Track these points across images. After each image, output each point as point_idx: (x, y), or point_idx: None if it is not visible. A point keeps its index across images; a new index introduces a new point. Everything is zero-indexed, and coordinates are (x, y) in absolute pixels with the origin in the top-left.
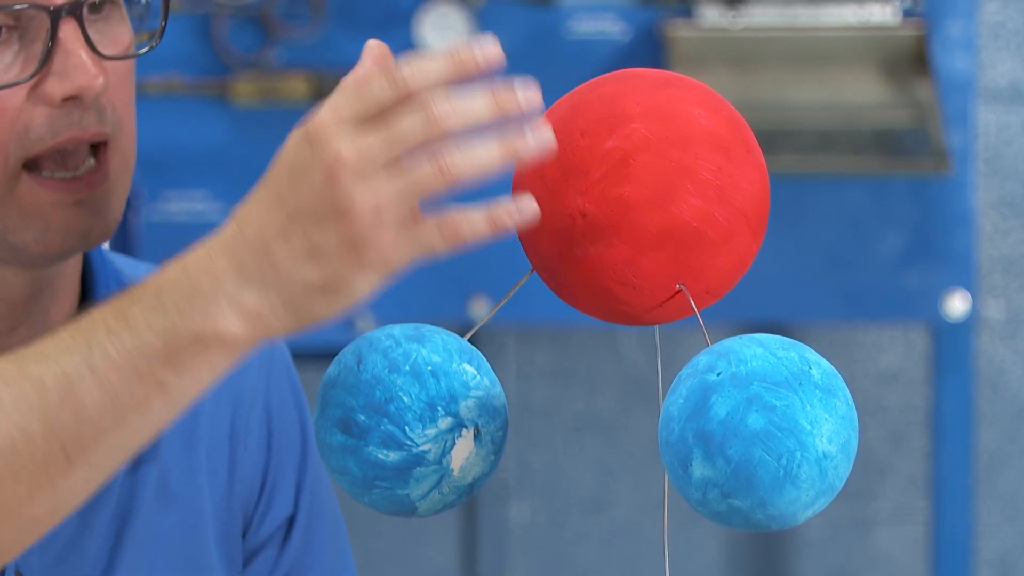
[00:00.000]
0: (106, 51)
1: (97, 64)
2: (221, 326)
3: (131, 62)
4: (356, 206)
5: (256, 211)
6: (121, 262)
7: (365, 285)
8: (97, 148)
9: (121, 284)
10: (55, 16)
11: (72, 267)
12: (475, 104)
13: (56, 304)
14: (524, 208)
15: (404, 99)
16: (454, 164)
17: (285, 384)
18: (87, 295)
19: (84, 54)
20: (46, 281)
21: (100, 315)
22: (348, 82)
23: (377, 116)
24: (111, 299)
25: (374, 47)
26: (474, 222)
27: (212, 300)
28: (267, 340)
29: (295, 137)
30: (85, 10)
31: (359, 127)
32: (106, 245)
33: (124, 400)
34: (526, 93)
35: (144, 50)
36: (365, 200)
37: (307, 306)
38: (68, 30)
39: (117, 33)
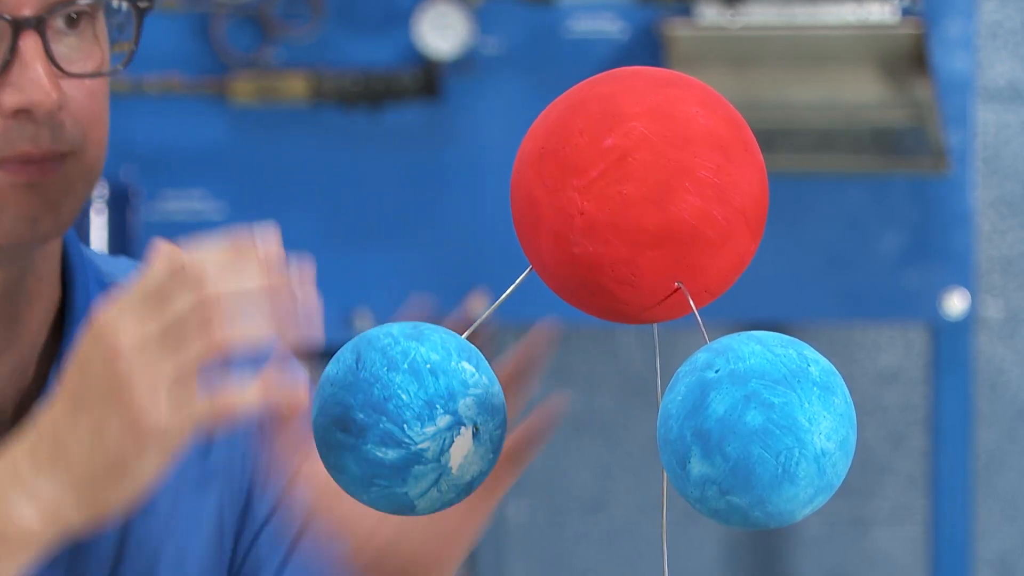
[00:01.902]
0: (73, 68)
1: (53, 80)
2: (17, 520)
3: (104, 82)
4: (134, 387)
5: (50, 404)
6: (100, 260)
7: (151, 464)
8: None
9: (103, 285)
10: (16, 28)
11: (48, 268)
12: (245, 280)
13: (32, 306)
14: (295, 385)
15: (183, 287)
16: (223, 339)
17: None
18: (68, 297)
19: (41, 69)
20: (13, 282)
21: None
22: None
23: (157, 303)
24: None
25: (162, 247)
26: (247, 395)
27: (10, 490)
28: (65, 534)
29: (85, 334)
30: (59, 22)
31: (140, 315)
32: (104, 247)
33: None
34: (270, 245)
35: (108, 71)
36: (142, 381)
37: (99, 491)
38: (29, 43)
39: (90, 50)
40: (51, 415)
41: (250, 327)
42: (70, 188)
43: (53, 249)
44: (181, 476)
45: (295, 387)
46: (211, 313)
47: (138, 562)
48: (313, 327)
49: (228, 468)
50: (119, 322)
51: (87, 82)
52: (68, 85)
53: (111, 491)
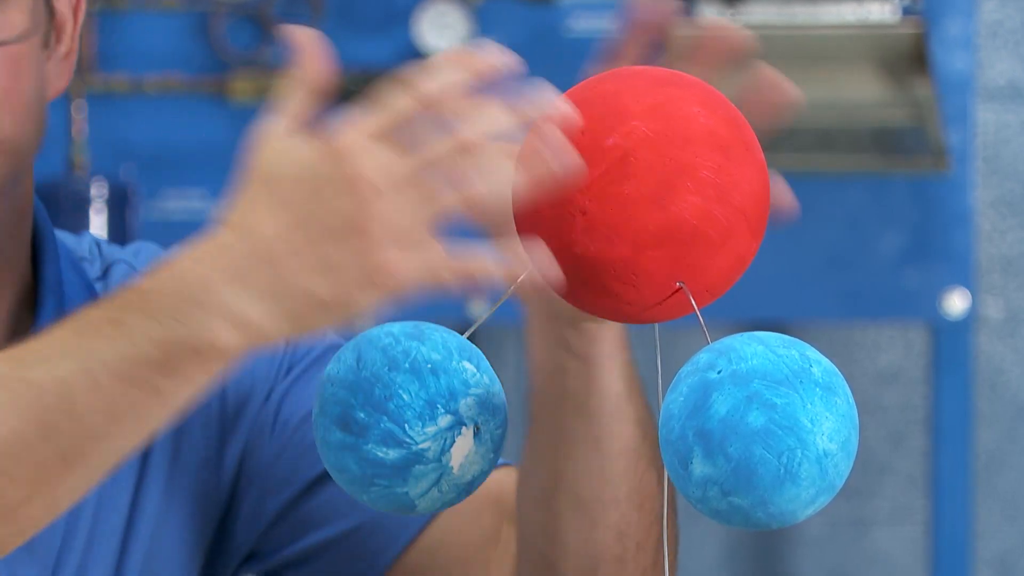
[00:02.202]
0: None
1: None
2: (217, 337)
3: (15, 52)
4: (375, 225)
5: (263, 220)
6: (68, 239)
7: (370, 302)
8: None
9: (74, 263)
10: None
11: (12, 247)
12: (498, 121)
13: (4, 289)
14: (546, 268)
15: (427, 111)
16: (477, 192)
17: None
18: (39, 274)
19: None
20: None
21: (96, 318)
22: (371, 99)
23: (400, 131)
24: (108, 299)
25: (301, 34)
26: (489, 267)
27: (209, 311)
28: (263, 345)
29: (316, 151)
30: None
31: (383, 144)
32: (104, 235)
33: (121, 406)
34: (548, 100)
35: (10, 42)
36: (385, 220)
37: (308, 318)
38: None
39: (7, 19)
40: (267, 233)
41: (502, 178)
42: None
43: (18, 228)
44: (198, 426)
45: (560, 161)
46: (464, 156)
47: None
48: (569, 165)
49: (245, 409)
50: (362, 149)
51: None
52: None
53: (320, 319)
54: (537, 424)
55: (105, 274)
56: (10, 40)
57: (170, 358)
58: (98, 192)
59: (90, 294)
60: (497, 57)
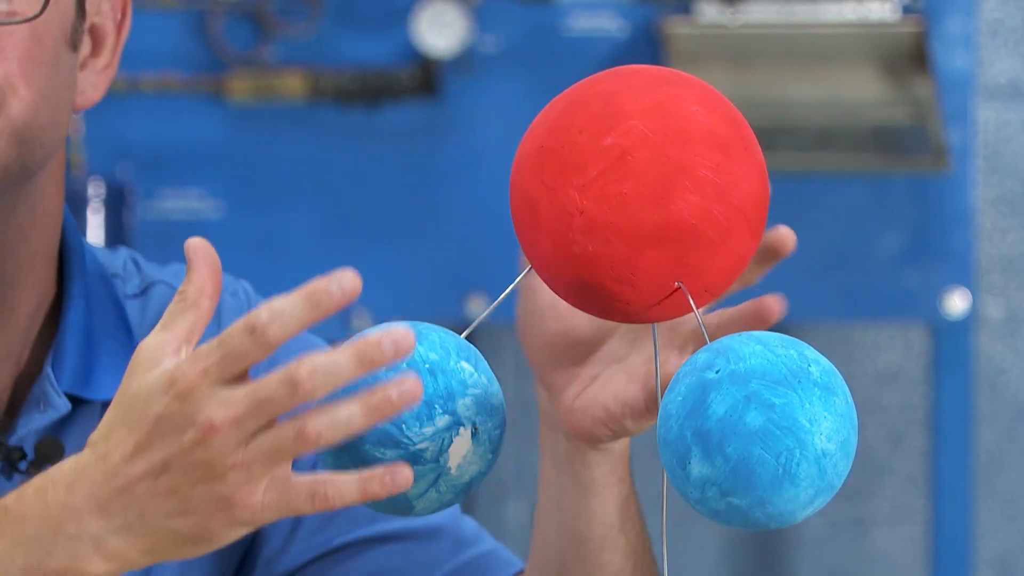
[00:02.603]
0: None
1: None
2: (85, 566)
3: (30, 32)
4: (228, 468)
5: (119, 449)
6: (100, 254)
7: (232, 535)
8: None
9: (104, 277)
10: None
11: (28, 253)
12: (339, 364)
13: (16, 292)
14: (396, 472)
15: (266, 353)
16: (318, 430)
17: None
18: (64, 285)
19: None
20: None
21: None
22: (210, 342)
23: (241, 371)
24: None
25: (199, 248)
26: (345, 489)
27: (75, 541)
28: (132, 570)
29: (156, 384)
30: None
31: (225, 384)
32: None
33: None
34: (348, 288)
35: (18, 21)
36: (236, 462)
37: (172, 550)
38: None
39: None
40: (123, 465)
41: (343, 415)
42: None
43: (38, 234)
44: None
45: (401, 391)
46: (303, 398)
47: None
48: (409, 394)
49: None
50: (206, 391)
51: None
52: None
53: (184, 551)
54: (537, 532)
55: (144, 292)
56: (10, 21)
57: None
58: (95, 192)
59: (118, 310)
60: (343, 284)
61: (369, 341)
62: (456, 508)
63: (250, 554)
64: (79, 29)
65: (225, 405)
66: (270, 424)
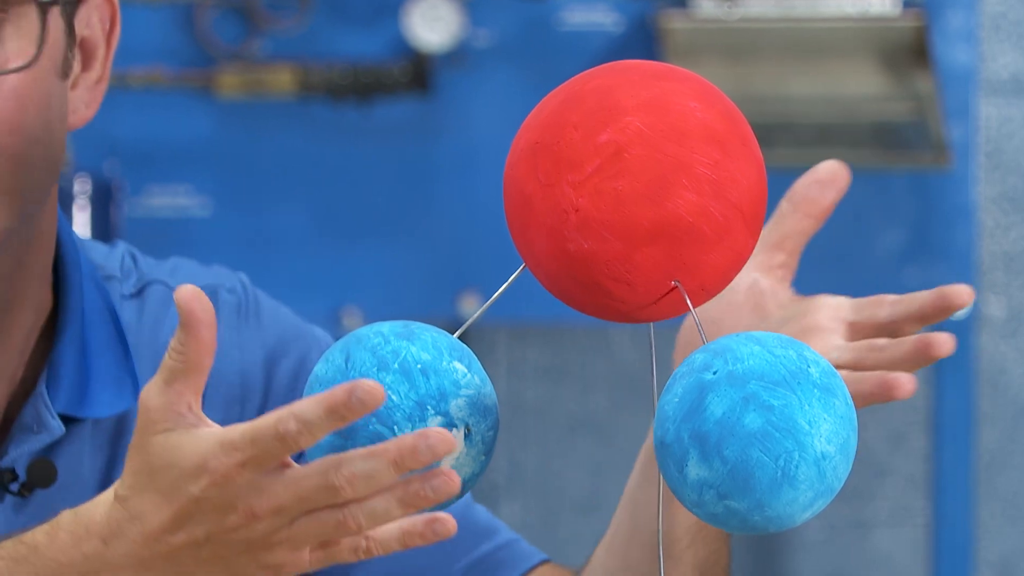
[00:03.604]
0: None
1: None
2: None
3: (30, 80)
4: (273, 545)
5: (156, 517)
6: (97, 253)
7: None
8: None
9: (97, 281)
10: None
11: (24, 277)
12: (379, 471)
13: (14, 315)
14: (438, 522)
15: (293, 452)
16: (359, 522)
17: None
18: (61, 299)
19: None
20: None
21: None
22: (242, 433)
23: (272, 464)
24: (15, 560)
25: (193, 301)
26: (386, 540)
27: None
28: None
29: (188, 467)
30: None
31: (258, 471)
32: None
33: None
34: (371, 398)
35: (11, 69)
36: (281, 539)
37: None
38: None
39: (7, 50)
40: (162, 536)
41: (382, 514)
42: None
43: (34, 258)
44: None
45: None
46: (342, 500)
47: None
48: (447, 489)
49: None
50: (243, 482)
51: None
52: None
53: None
54: (611, 543)
55: (140, 292)
56: (8, 70)
57: None
58: (81, 189)
59: (113, 320)
60: (363, 392)
61: (406, 446)
62: (468, 498)
63: None
64: (69, 57)
65: (267, 495)
66: (313, 511)
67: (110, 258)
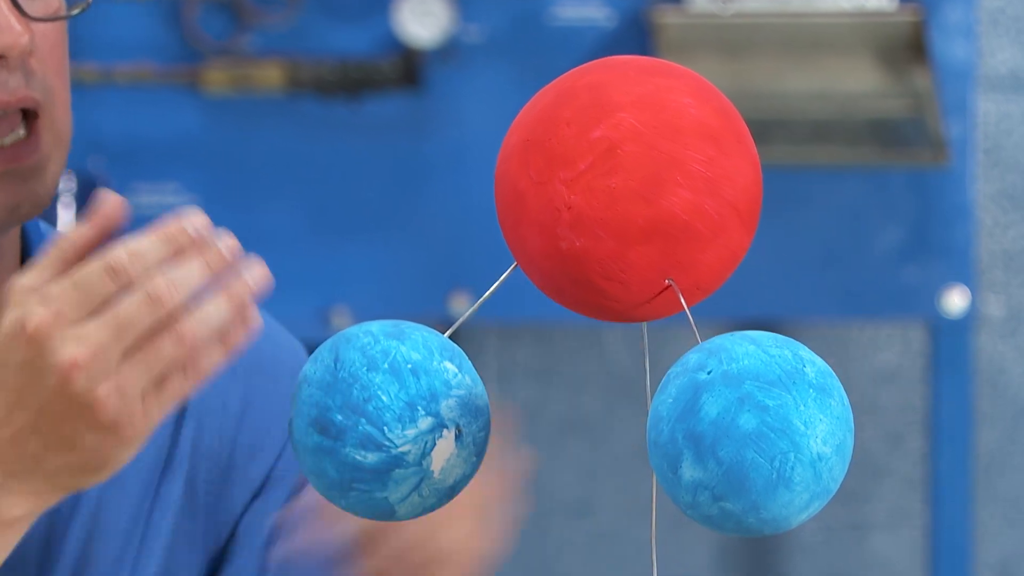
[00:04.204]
0: (34, 12)
1: (23, 23)
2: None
3: (62, 29)
4: (99, 399)
5: (5, 416)
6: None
7: (128, 453)
8: (29, 119)
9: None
10: None
11: (6, 246)
12: (188, 271)
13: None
14: (248, 318)
15: (123, 286)
16: (192, 330)
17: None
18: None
19: (7, 11)
20: None
21: None
22: (65, 280)
23: (99, 306)
24: None
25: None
26: (210, 355)
27: None
28: (48, 508)
29: (11, 335)
30: None
31: (82, 321)
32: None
33: None
34: (199, 225)
35: (75, 11)
36: (108, 390)
37: (75, 482)
38: None
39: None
40: (11, 431)
41: (211, 311)
42: (46, 160)
43: (11, 233)
44: (149, 459)
45: (253, 276)
46: (162, 310)
47: (108, 544)
48: (261, 279)
49: (200, 445)
50: (62, 333)
51: (48, 32)
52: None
53: (87, 479)
54: None
55: None
56: (66, 15)
57: None
58: (66, 186)
59: None
60: (195, 222)
61: (170, 226)
62: None
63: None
64: None
65: (82, 339)
66: (138, 344)
67: None
